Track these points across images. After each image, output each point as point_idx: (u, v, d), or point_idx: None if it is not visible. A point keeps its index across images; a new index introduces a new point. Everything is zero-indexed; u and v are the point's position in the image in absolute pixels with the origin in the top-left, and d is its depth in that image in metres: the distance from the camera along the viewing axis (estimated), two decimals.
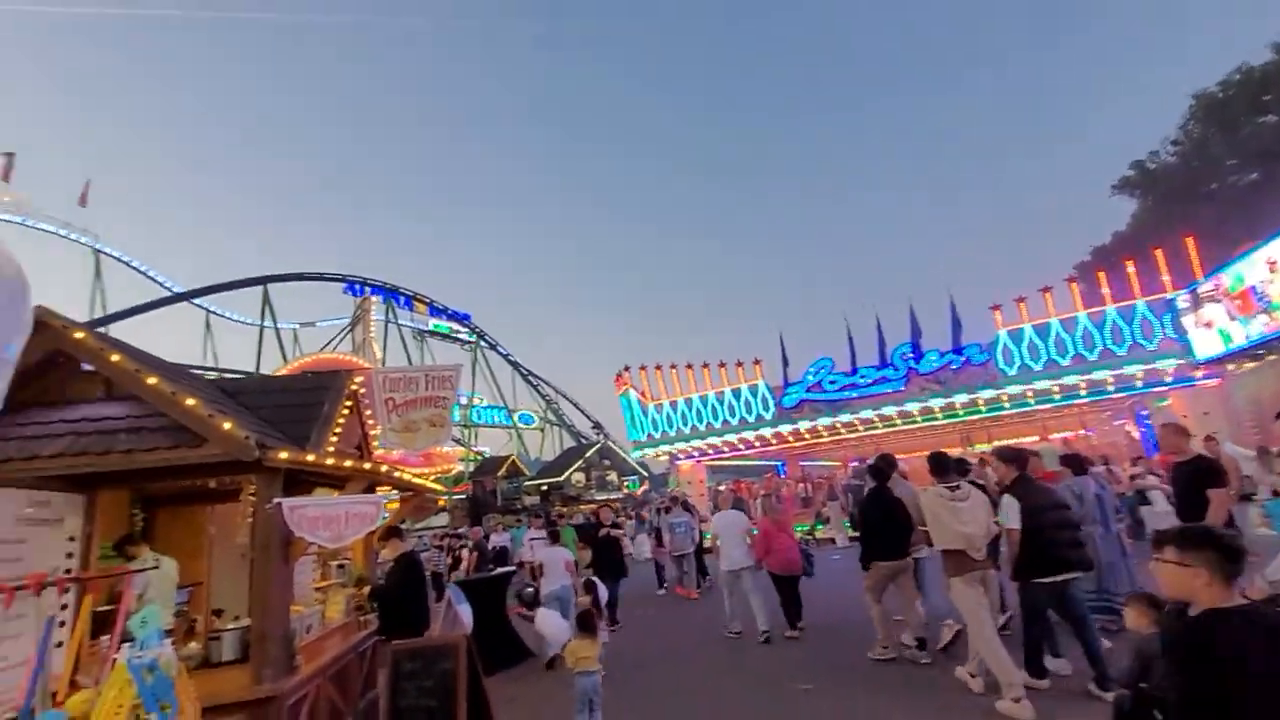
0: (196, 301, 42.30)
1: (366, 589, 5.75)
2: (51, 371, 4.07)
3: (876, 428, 15.56)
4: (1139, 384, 12.34)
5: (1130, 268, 12.31)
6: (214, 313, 45.23)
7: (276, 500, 3.84)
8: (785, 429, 16.18)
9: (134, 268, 42.41)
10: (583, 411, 57.08)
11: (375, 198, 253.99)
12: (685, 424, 17.84)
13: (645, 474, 40.54)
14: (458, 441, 50.34)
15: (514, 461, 35.71)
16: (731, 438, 17.01)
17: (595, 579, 7.08)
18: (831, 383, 15.43)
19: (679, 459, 19.05)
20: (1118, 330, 12.24)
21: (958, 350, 13.86)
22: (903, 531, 5.53)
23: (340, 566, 6.33)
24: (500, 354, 56.70)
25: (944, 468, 4.90)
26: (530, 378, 56.08)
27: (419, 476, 6.55)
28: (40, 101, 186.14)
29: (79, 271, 41.89)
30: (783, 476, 21.33)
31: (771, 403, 16.28)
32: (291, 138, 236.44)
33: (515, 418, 52.93)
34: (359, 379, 6.13)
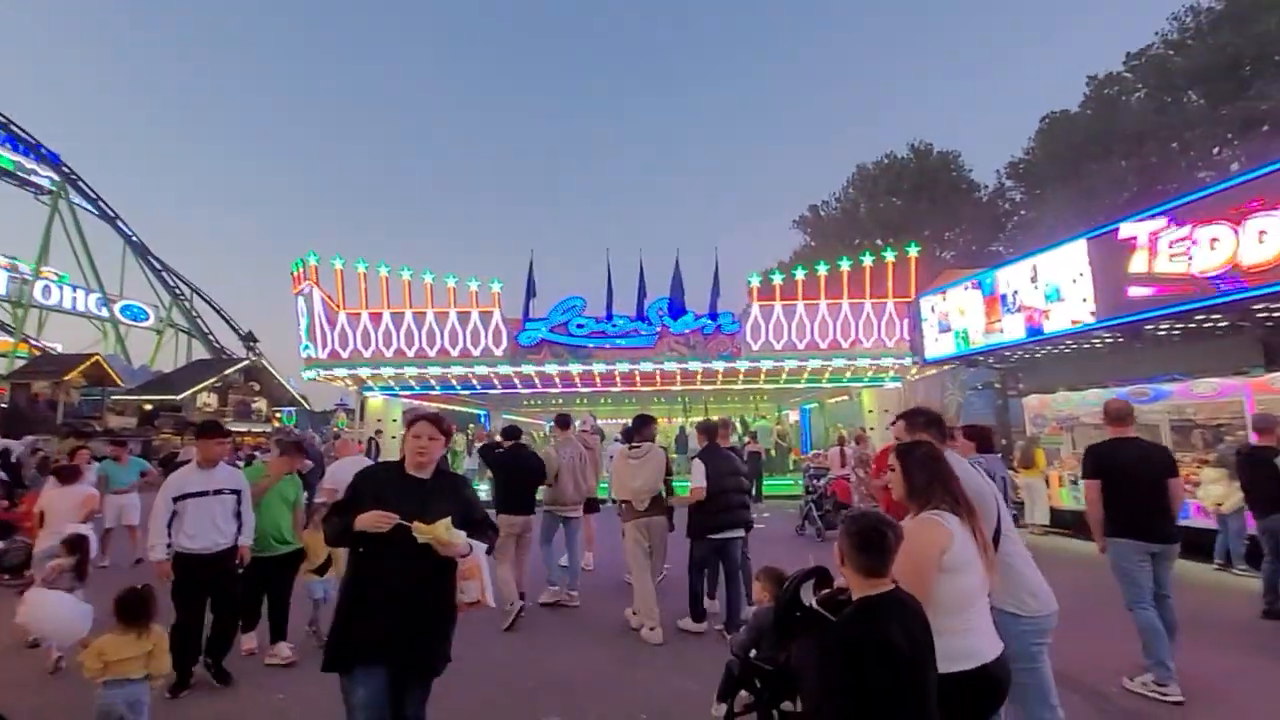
0: None
1: None
2: None
3: (615, 384, 14.20)
4: (866, 376, 13.44)
5: (866, 263, 13.17)
6: None
7: None
8: (518, 370, 13.66)
9: None
10: (228, 319, 44.49)
11: None
12: (388, 346, 13.85)
13: (306, 406, 33.33)
14: (4, 328, 34.11)
15: (99, 364, 24.94)
16: (450, 370, 13.75)
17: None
18: (579, 326, 13.48)
19: (370, 390, 14.89)
20: (849, 324, 13.03)
21: (713, 315, 13.26)
22: (527, 490, 5.91)
23: None
24: (103, 215, 40.43)
25: (636, 431, 5.59)
26: (150, 257, 41.31)
27: None
28: None
29: None
30: (486, 430, 18.87)
31: (505, 337, 13.56)
32: None
33: (115, 308, 38.39)
34: None
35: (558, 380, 14.18)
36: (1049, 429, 9.22)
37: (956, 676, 1.86)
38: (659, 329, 13.35)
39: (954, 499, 2.09)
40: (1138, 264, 6.35)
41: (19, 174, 35.98)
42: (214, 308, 44.31)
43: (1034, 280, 8.07)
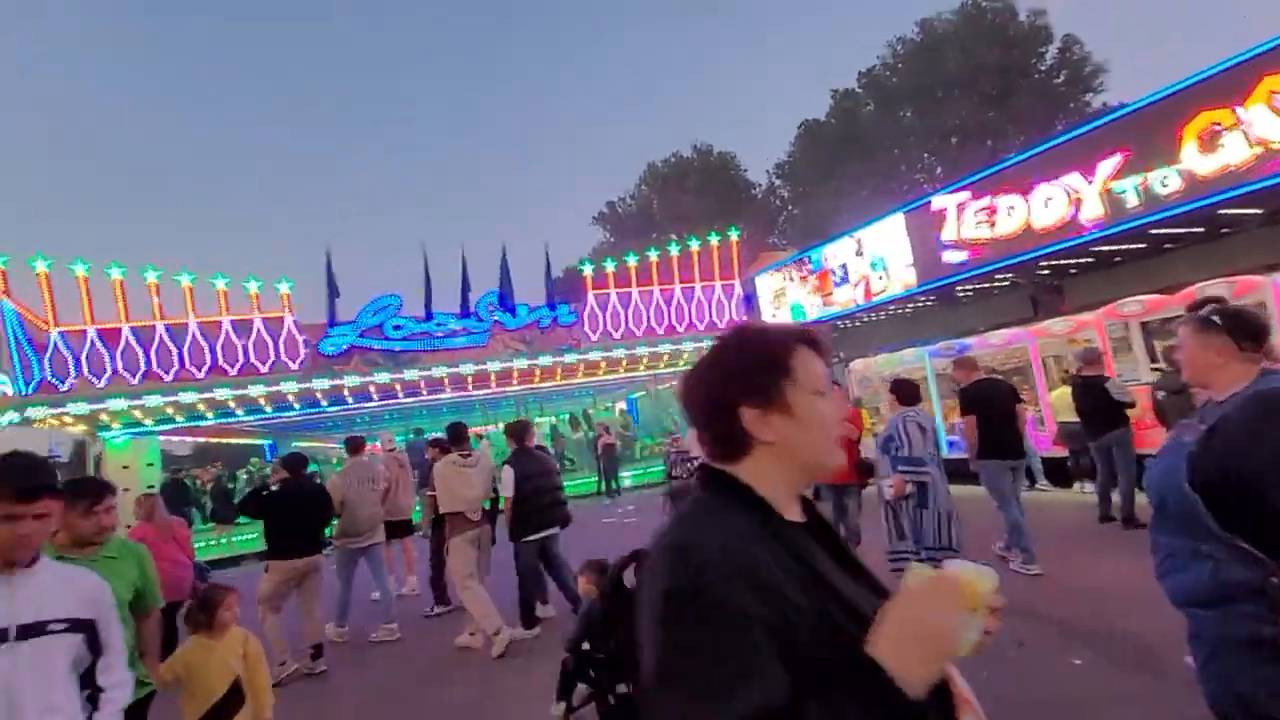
0: None
1: None
2: None
3: (445, 391, 12.78)
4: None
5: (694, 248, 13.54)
6: None
7: None
8: (322, 385, 11.55)
9: None
10: None
11: None
12: (133, 372, 10.77)
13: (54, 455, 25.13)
14: None
15: None
16: (228, 394, 11.14)
17: None
18: (397, 328, 11.86)
19: (109, 429, 11.48)
20: (682, 308, 13.29)
21: (551, 306, 12.59)
22: (313, 529, 5.44)
23: None
24: None
25: (460, 437, 5.46)
26: None
27: None
28: None
29: None
30: (270, 462, 16.02)
31: (303, 347, 11.38)
32: None
33: None
34: None
35: (374, 393, 12.33)
36: (871, 389, 10.34)
37: None
38: (490, 326, 12.29)
39: None
40: (949, 232, 7.29)
41: None
42: None
43: (859, 253, 8.92)
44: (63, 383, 10.54)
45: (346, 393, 12.06)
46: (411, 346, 11.87)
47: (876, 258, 8.82)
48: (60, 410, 10.68)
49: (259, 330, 11.16)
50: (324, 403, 12.26)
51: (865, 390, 10.57)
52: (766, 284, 11.40)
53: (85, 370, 10.57)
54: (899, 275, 8.35)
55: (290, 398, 11.81)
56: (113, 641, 1.76)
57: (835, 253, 9.54)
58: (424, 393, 12.67)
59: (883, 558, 4.34)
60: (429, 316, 12.04)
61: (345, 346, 11.57)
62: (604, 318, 12.87)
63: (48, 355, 10.50)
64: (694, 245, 13.44)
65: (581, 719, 2.87)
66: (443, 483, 5.12)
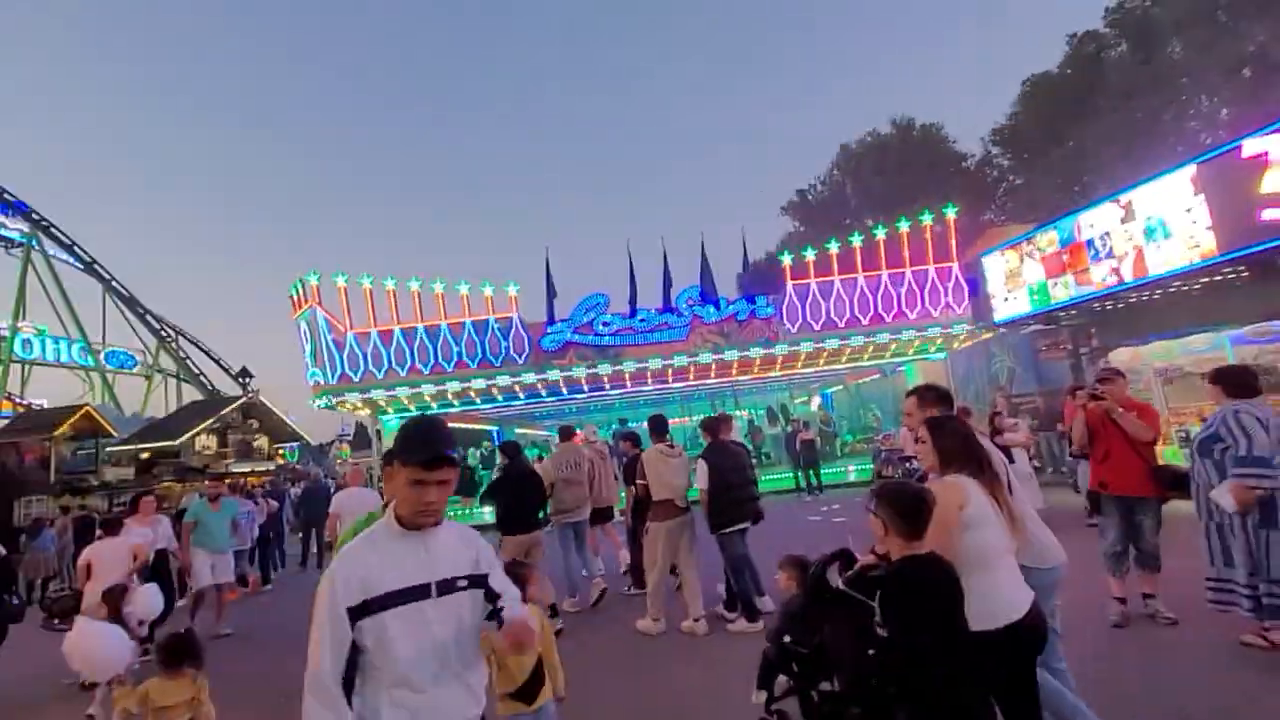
0: None
1: None
2: None
3: (647, 383, 13.41)
4: (910, 351, 12.74)
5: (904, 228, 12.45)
6: None
7: None
8: (543, 377, 12.84)
9: None
10: (217, 359, 43.26)
11: None
12: (401, 365, 12.98)
13: (308, 440, 32.24)
14: None
15: (89, 414, 23.71)
16: (470, 385, 12.91)
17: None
18: (605, 324, 12.71)
19: (386, 413, 13.99)
20: (890, 296, 12.34)
21: (749, 298, 12.52)
22: (534, 506, 5.89)
23: None
24: (78, 264, 39.25)
25: (663, 429, 5.63)
26: (132, 302, 40.09)
27: None
28: None
29: None
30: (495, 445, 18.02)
31: (528, 343, 12.73)
32: None
33: (100, 357, 37.14)
34: None
35: (585, 384, 13.39)
36: (1143, 383, 8.56)
37: (989, 636, 2.03)
38: (690, 320, 12.60)
39: (978, 465, 2.30)
40: (1272, 182, 5.72)
41: None
42: (201, 349, 43.01)
43: (1127, 219, 7.43)
44: (355, 374, 13.14)
45: (562, 384, 13.27)
46: (617, 341, 12.65)
47: (1153, 222, 7.24)
48: (353, 397, 13.34)
49: (493, 329, 12.75)
50: (543, 393, 13.64)
51: (1134, 385, 8.79)
52: (997, 265, 9.98)
53: (369, 364, 13.03)
54: (1188, 242, 6.72)
55: (517, 389, 13.34)
56: (506, 589, 1.81)
57: (1093, 221, 8.00)
58: (628, 385, 13.44)
59: (1198, 588, 3.57)
60: (633, 313, 12.73)
61: (562, 342, 12.71)
62: (803, 309, 12.47)
63: (345, 352, 13.16)
64: (903, 227, 12.40)
65: (784, 709, 2.96)
66: (653, 471, 5.30)
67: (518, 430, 21.97)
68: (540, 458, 15.14)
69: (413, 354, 12.94)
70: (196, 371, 41.28)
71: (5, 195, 35.26)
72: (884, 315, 12.40)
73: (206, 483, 8.21)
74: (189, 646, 3.11)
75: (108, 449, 23.69)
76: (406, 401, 13.50)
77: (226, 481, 9.00)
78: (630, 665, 4.60)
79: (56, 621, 5.88)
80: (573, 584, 6.33)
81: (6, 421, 26.38)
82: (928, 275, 12.45)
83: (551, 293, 12.98)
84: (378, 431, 14.42)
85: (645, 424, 5.97)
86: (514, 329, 12.78)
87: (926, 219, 12.43)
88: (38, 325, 35.88)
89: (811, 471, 11.82)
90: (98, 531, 6.35)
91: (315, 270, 13.05)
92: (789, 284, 12.55)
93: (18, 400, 31.69)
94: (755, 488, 5.48)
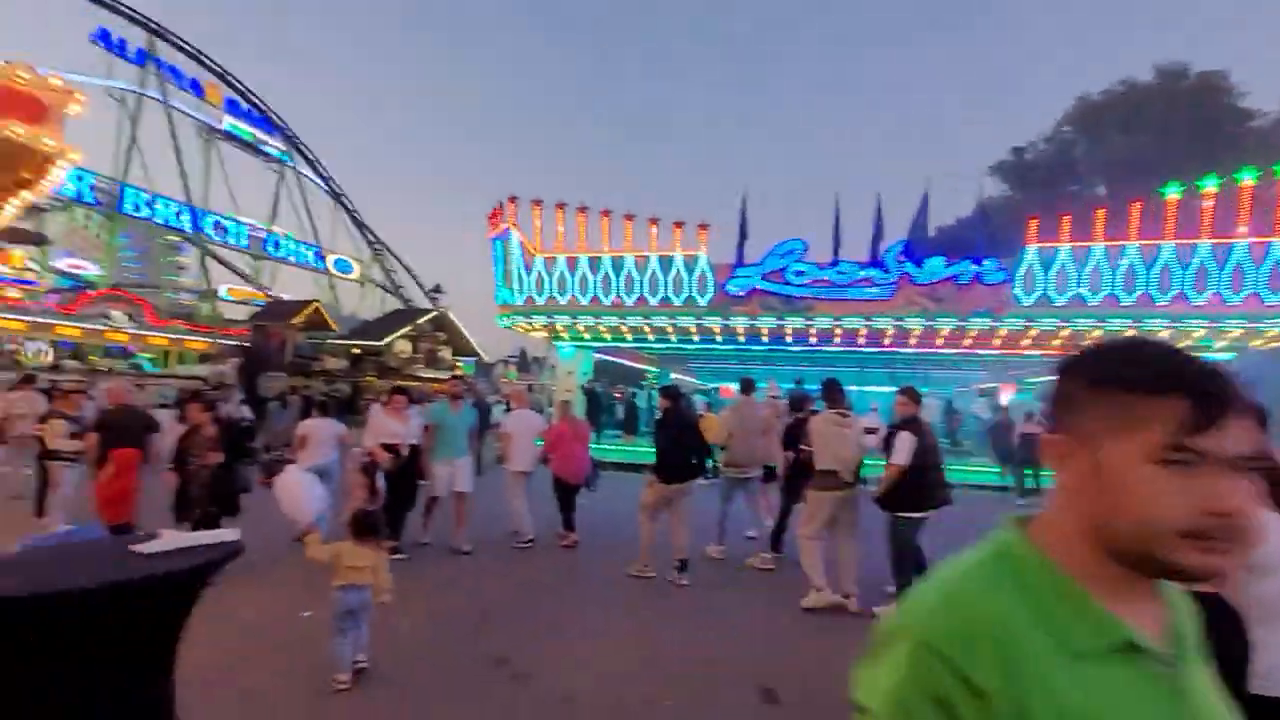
0: None
1: None
2: None
3: (834, 342, 12.22)
4: (1185, 345, 10.25)
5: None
6: None
7: None
8: (725, 322, 12.17)
9: None
10: (414, 276, 48.51)
11: None
12: (583, 293, 13.02)
13: (483, 358, 35.07)
14: (245, 278, 39.73)
15: (318, 310, 27.73)
16: (649, 321, 12.63)
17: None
18: (798, 273, 11.63)
19: (562, 341, 14.30)
20: (1169, 273, 9.84)
21: (977, 259, 10.68)
22: (690, 457, 5.65)
23: None
24: (319, 181, 45.32)
25: (838, 394, 5.36)
26: (357, 216, 45.82)
27: None
28: None
29: None
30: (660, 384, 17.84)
31: (711, 285, 12.08)
32: None
33: (330, 261, 43.14)
34: None
35: (765, 335, 12.54)
36: None
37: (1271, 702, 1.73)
38: (897, 279, 11.10)
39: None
40: None
41: (254, 144, 41.14)
42: (403, 265, 48.49)
43: None
44: (540, 298, 13.48)
45: (740, 332, 12.54)
46: (810, 294, 11.55)
47: None
48: (537, 320, 13.74)
49: (677, 266, 12.26)
50: (719, 339, 13.02)
51: None
52: None
53: (553, 289, 13.26)
54: None
55: (693, 331, 12.86)
56: None
57: None
58: (813, 340, 12.37)
59: None
60: (834, 264, 11.50)
61: (749, 288, 11.90)
62: (1046, 277, 10.40)
63: (532, 275, 13.50)
64: (1209, 186, 9.71)
65: None
66: (821, 439, 5.05)
67: (672, 375, 21.84)
68: (709, 405, 14.88)
69: (596, 284, 12.93)
70: (397, 285, 46.68)
71: (272, 118, 41.51)
72: (1158, 295, 9.97)
73: (449, 380, 7.81)
74: (375, 524, 3.66)
75: (328, 341, 27.57)
76: (583, 331, 13.64)
77: (459, 379, 8.77)
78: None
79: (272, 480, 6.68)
80: (721, 531, 6.49)
81: (259, 309, 31.78)
82: (1232, 251, 9.72)
83: (743, 236, 12.12)
84: (545, 362, 14.86)
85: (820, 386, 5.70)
86: (699, 269, 12.17)
87: (1246, 176, 9.59)
88: (286, 231, 42.51)
89: (1030, 471, 10.04)
90: (313, 411, 7.47)
91: (512, 196, 13.38)
92: (1031, 246, 10.49)
93: (269, 291, 38.04)
94: (944, 473, 5.11)
